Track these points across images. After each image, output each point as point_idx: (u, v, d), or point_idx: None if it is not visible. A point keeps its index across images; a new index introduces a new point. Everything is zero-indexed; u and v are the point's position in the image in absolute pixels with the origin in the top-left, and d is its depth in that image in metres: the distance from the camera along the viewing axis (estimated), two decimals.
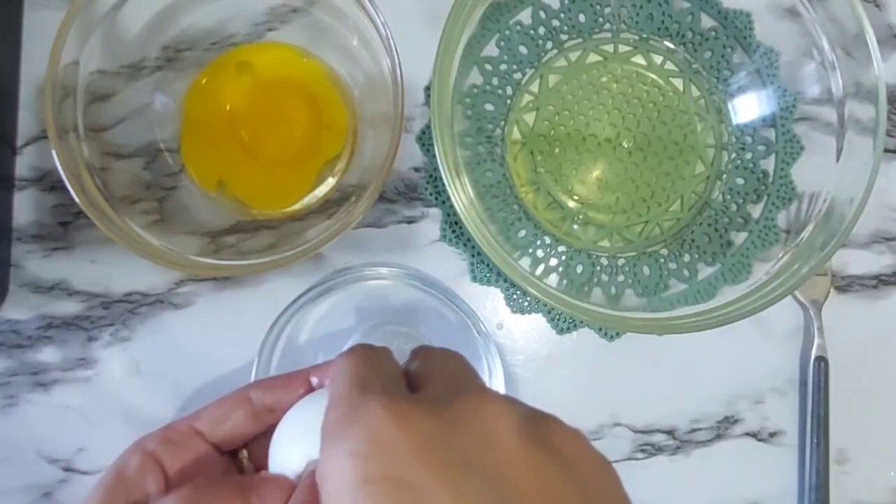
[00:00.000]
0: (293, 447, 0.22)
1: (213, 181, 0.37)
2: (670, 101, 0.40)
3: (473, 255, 0.39)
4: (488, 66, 0.39)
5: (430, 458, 0.17)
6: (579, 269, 0.39)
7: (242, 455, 0.24)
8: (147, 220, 0.34)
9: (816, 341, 0.40)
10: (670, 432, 0.40)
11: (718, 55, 0.39)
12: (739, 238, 0.39)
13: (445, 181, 0.31)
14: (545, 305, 0.39)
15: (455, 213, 0.36)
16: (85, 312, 0.38)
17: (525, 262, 0.38)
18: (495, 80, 0.39)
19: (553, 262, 0.39)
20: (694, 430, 0.40)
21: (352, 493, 0.17)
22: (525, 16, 0.39)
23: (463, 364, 0.24)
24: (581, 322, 0.39)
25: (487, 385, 0.35)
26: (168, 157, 0.36)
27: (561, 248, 0.39)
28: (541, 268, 0.38)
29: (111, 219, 0.31)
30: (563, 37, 0.39)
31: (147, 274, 0.38)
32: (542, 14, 0.39)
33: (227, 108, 0.36)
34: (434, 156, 0.32)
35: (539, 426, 0.19)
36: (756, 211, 0.39)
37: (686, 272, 0.39)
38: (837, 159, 0.35)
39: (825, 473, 0.39)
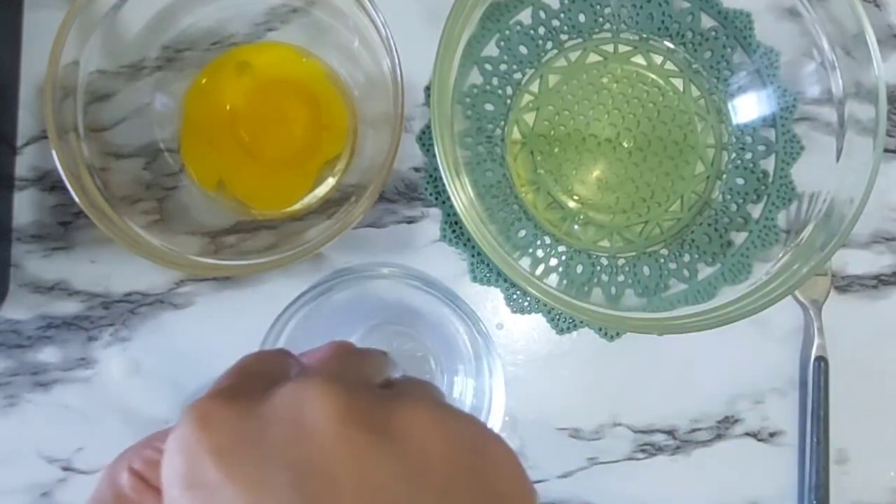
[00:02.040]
0: None
1: (213, 181, 0.37)
2: (670, 101, 0.40)
3: (473, 255, 0.39)
4: (488, 66, 0.39)
5: (229, 458, 0.17)
6: (579, 269, 0.39)
7: None
8: (147, 220, 0.34)
9: (816, 341, 0.40)
10: (670, 432, 0.40)
11: (718, 55, 0.39)
12: (739, 238, 0.39)
13: (445, 181, 0.31)
14: (545, 305, 0.39)
15: (455, 213, 0.36)
16: (85, 312, 0.38)
17: (525, 262, 0.38)
18: (495, 80, 0.39)
19: (553, 262, 0.39)
20: (694, 430, 0.40)
21: (165, 501, 0.17)
22: (525, 16, 0.39)
23: (339, 351, 0.22)
24: (581, 322, 0.39)
25: (486, 385, 0.35)
26: (168, 157, 0.36)
27: (561, 248, 0.39)
28: (541, 268, 0.38)
29: (111, 219, 0.31)
30: (563, 37, 0.39)
31: (147, 274, 0.38)
32: (542, 14, 0.39)
33: (227, 108, 0.36)
34: (434, 156, 0.32)
35: (378, 411, 0.18)
36: (756, 211, 0.39)
37: (686, 272, 0.39)
38: (837, 159, 0.35)
39: (825, 473, 0.39)
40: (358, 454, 0.17)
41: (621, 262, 0.39)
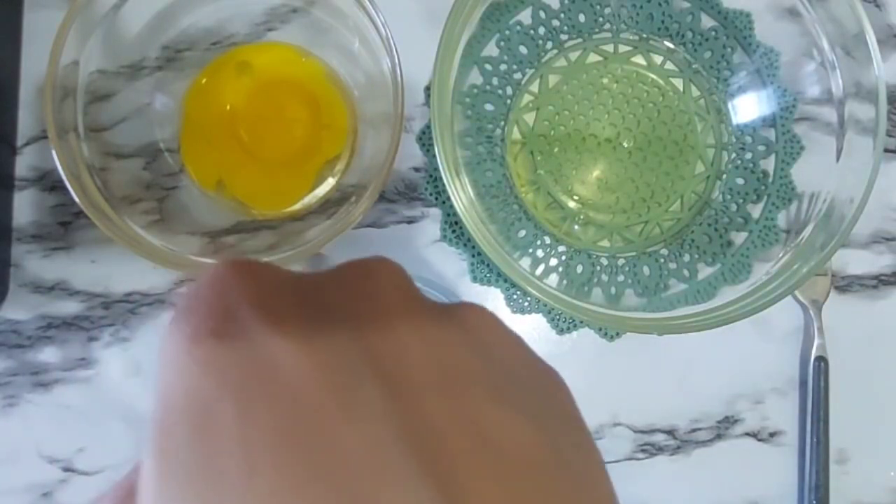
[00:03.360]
0: None
1: (213, 181, 0.37)
2: (670, 101, 0.40)
3: (473, 255, 0.39)
4: (488, 66, 0.39)
5: (273, 309, 0.14)
6: (579, 269, 0.39)
7: None
8: (147, 220, 0.34)
9: (816, 341, 0.40)
10: (670, 432, 0.40)
11: (718, 55, 0.39)
12: (739, 238, 0.39)
13: (445, 181, 0.31)
14: (545, 305, 0.39)
15: (455, 213, 0.36)
16: (85, 312, 0.38)
17: (525, 262, 0.38)
18: (495, 80, 0.39)
19: (553, 262, 0.39)
20: (694, 430, 0.40)
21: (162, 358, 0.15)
22: (525, 16, 0.39)
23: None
24: (581, 322, 0.39)
25: None
26: (168, 157, 0.36)
27: (561, 248, 0.39)
28: (541, 268, 0.38)
29: (111, 219, 0.31)
30: (563, 37, 0.39)
31: (147, 274, 0.38)
32: (542, 14, 0.39)
33: (227, 108, 0.36)
34: (434, 156, 0.32)
35: (444, 306, 0.17)
36: (756, 211, 0.39)
37: (686, 272, 0.39)
38: (837, 159, 0.35)
39: (825, 473, 0.39)
40: (423, 324, 0.15)
41: (621, 262, 0.39)
